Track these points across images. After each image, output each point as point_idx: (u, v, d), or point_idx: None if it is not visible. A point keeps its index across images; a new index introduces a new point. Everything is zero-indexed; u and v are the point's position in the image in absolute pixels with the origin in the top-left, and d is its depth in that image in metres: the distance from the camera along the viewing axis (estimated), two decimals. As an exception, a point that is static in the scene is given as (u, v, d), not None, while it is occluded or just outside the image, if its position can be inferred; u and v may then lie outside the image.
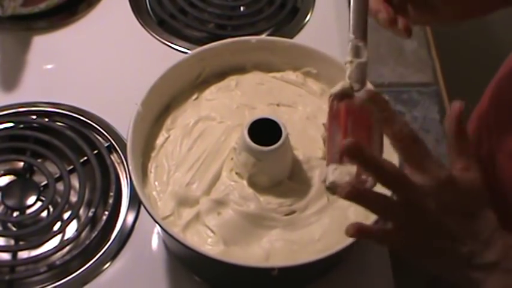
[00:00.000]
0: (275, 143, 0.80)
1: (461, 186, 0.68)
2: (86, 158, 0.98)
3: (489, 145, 0.93)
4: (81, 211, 0.94)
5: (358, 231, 0.68)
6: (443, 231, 0.68)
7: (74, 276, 0.89)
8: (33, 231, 0.92)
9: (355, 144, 0.66)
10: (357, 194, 0.66)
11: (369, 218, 0.81)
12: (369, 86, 0.75)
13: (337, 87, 0.73)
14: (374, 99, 0.67)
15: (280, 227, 0.81)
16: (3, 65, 1.12)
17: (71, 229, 0.93)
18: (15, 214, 0.95)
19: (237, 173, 0.85)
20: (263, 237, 0.81)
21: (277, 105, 0.92)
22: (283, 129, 0.81)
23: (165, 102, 0.91)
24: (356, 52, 0.75)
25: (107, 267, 0.91)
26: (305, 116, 0.90)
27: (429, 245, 0.69)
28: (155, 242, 0.93)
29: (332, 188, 0.67)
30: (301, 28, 1.17)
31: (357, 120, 0.72)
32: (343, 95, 0.73)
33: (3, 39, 1.15)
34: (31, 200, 0.95)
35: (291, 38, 1.14)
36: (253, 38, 0.94)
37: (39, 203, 0.95)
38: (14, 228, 0.94)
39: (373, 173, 0.67)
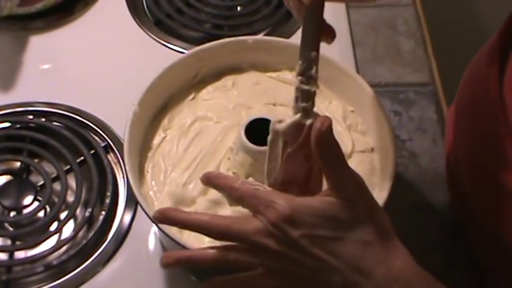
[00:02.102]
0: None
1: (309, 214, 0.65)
2: (82, 158, 0.98)
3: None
4: (78, 211, 0.94)
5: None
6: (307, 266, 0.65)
7: (70, 276, 0.89)
8: (30, 231, 0.92)
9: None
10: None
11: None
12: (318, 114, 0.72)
13: (287, 122, 0.71)
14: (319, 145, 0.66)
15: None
16: (0, 65, 1.11)
17: (68, 229, 0.93)
18: (11, 214, 0.95)
19: (234, 173, 0.85)
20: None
21: (274, 104, 0.92)
22: (280, 129, 0.81)
23: (161, 102, 0.91)
24: (307, 77, 0.73)
25: (104, 268, 0.91)
26: (301, 116, 0.90)
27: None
28: (152, 242, 0.93)
29: None
30: (298, 28, 1.17)
31: (299, 151, 0.71)
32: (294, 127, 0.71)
33: (0, 40, 1.15)
34: (28, 200, 0.95)
35: (288, 38, 1.14)
36: (249, 38, 0.94)
37: (36, 203, 0.95)
38: (11, 228, 0.94)
39: (197, 231, 0.68)
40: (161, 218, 0.69)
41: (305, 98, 0.72)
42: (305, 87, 0.72)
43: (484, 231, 0.89)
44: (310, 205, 0.66)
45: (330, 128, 0.66)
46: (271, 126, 0.73)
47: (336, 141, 0.67)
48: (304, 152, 0.71)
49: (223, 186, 0.70)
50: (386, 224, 0.69)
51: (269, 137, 0.73)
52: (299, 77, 0.73)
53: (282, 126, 0.71)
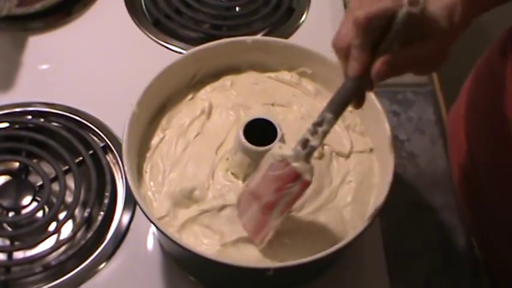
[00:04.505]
0: (270, 143, 0.80)
1: None
2: (81, 158, 0.98)
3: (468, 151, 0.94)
4: (77, 211, 0.94)
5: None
6: None
7: (69, 277, 0.89)
8: (29, 231, 0.92)
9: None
10: None
11: (363, 218, 0.82)
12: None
13: (280, 151, 0.76)
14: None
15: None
16: (-2, 65, 1.12)
17: (67, 229, 0.93)
18: (10, 214, 0.95)
19: (232, 173, 0.85)
20: (259, 238, 0.81)
21: (272, 105, 0.92)
22: (278, 129, 0.81)
23: (160, 103, 0.91)
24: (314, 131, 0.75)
25: (103, 268, 0.91)
26: (300, 116, 0.91)
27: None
28: (150, 243, 0.93)
29: None
30: (297, 28, 1.17)
31: (274, 179, 0.76)
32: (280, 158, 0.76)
33: (-1, 40, 1.15)
34: (26, 200, 0.95)
35: (286, 38, 1.14)
36: (248, 38, 0.94)
37: (34, 203, 0.95)
38: (10, 229, 0.94)
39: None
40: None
41: (303, 145, 0.75)
42: (307, 136, 0.75)
43: (505, 230, 0.89)
44: None
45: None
46: (273, 144, 0.78)
47: None
48: (276, 185, 0.75)
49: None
50: None
51: (269, 152, 0.78)
52: (310, 126, 0.75)
53: (274, 151, 0.76)
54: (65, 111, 1.04)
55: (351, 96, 0.74)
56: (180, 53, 1.11)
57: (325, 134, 0.74)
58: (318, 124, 0.74)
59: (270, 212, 0.77)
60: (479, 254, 0.97)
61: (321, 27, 1.18)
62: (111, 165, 0.99)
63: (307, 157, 0.75)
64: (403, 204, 0.99)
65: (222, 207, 0.82)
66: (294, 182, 0.75)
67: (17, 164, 0.99)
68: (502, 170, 0.90)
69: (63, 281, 0.89)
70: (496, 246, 0.95)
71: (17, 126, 1.03)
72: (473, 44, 1.06)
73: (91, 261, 0.91)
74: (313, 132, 0.74)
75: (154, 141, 0.88)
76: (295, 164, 0.74)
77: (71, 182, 0.96)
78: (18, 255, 0.91)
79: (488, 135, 0.96)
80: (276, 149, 0.77)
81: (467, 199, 1.00)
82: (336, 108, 0.74)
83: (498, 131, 0.92)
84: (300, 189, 0.75)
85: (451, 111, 1.15)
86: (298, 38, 1.15)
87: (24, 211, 0.95)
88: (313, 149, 0.75)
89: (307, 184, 0.75)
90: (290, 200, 0.76)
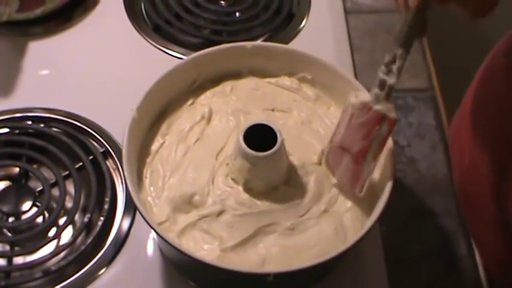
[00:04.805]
0: (270, 149, 0.80)
1: None
2: (81, 163, 0.98)
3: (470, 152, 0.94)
4: (77, 217, 0.94)
5: None
6: None
7: (69, 282, 0.89)
8: (29, 236, 0.92)
9: None
10: None
11: (364, 224, 0.82)
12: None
13: (359, 99, 0.79)
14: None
15: (277, 232, 0.81)
16: (-1, 70, 1.12)
17: (67, 235, 0.93)
18: (10, 220, 0.95)
19: (232, 179, 0.85)
20: (259, 243, 0.81)
21: (272, 110, 0.92)
22: (278, 134, 0.81)
23: (160, 108, 0.91)
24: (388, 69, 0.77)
25: (102, 273, 0.90)
26: (300, 121, 0.91)
27: None
28: (150, 248, 0.93)
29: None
30: (297, 34, 1.17)
31: (359, 127, 0.78)
32: (361, 106, 0.78)
33: (-1, 45, 1.15)
34: (26, 205, 0.95)
35: (287, 43, 1.14)
36: (248, 44, 0.94)
37: (34, 209, 0.95)
38: (9, 234, 0.94)
39: None
40: None
41: (380, 86, 0.77)
42: (382, 76, 0.77)
43: (507, 235, 0.90)
44: None
45: None
46: (349, 97, 0.80)
47: None
48: (363, 131, 0.78)
49: None
50: None
51: (345, 105, 0.81)
52: (382, 67, 0.77)
53: (353, 100, 0.79)
54: (65, 117, 1.04)
55: (414, 27, 0.75)
56: (180, 58, 1.11)
57: (399, 70, 0.76)
58: (390, 62, 0.76)
59: (363, 159, 0.79)
60: (480, 258, 0.97)
61: (321, 32, 1.18)
62: (111, 170, 0.99)
63: (388, 97, 0.77)
64: (403, 210, 0.99)
65: (220, 212, 0.82)
66: (380, 124, 0.78)
67: (17, 169, 0.99)
68: (506, 173, 0.90)
69: (63, 286, 0.89)
70: (496, 251, 0.95)
71: (17, 131, 1.03)
72: (474, 49, 1.06)
73: (91, 266, 0.91)
74: (388, 71, 0.76)
75: (154, 146, 0.88)
76: (378, 107, 0.77)
77: (71, 188, 0.96)
78: (18, 260, 0.91)
79: (493, 138, 0.96)
80: (353, 98, 0.79)
81: (467, 204, 1.00)
82: (404, 42, 0.76)
83: (503, 134, 0.92)
84: (389, 129, 0.78)
85: (455, 115, 1.15)
86: (298, 44, 1.15)
87: (24, 216, 0.95)
88: (392, 87, 0.77)
89: (394, 122, 0.78)
90: (381, 141, 0.79)
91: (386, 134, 0.78)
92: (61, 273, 0.90)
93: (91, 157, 0.99)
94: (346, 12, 1.22)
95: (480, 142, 0.99)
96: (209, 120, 0.90)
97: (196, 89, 0.94)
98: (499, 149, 0.94)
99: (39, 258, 0.90)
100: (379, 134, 0.78)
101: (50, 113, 1.04)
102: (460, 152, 1.05)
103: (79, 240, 0.92)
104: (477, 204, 0.99)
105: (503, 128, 0.93)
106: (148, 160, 0.87)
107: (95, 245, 0.92)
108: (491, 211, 0.94)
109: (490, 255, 0.99)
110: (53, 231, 0.93)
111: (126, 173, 0.80)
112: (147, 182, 0.85)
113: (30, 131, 1.02)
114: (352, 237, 0.79)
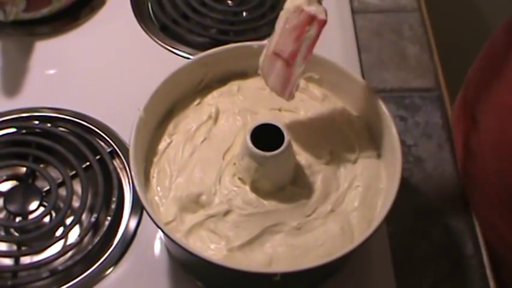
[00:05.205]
0: (277, 148, 0.80)
1: None
2: (88, 163, 0.98)
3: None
4: (84, 216, 0.94)
5: None
6: None
7: (76, 282, 0.89)
8: (36, 236, 0.92)
9: None
10: None
11: (370, 223, 0.81)
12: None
13: (293, 3, 0.81)
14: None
15: (284, 232, 0.81)
16: (5, 70, 1.12)
17: (74, 234, 0.93)
18: (17, 219, 0.95)
19: (239, 178, 0.85)
20: (266, 243, 0.81)
21: (279, 110, 0.92)
22: (285, 134, 0.81)
23: (167, 108, 0.91)
24: None
25: (109, 273, 0.91)
26: (307, 121, 0.90)
27: None
28: (158, 248, 0.93)
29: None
30: (303, 33, 1.17)
31: (292, 30, 0.80)
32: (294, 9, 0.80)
33: (6, 45, 1.15)
34: (33, 205, 0.95)
35: (293, 43, 1.14)
36: (255, 44, 0.94)
37: (41, 209, 0.95)
38: (17, 234, 0.94)
39: None
40: None
41: None
42: None
43: None
44: None
45: None
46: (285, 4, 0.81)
47: None
48: (295, 34, 0.80)
49: None
50: None
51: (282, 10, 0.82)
52: None
53: (286, 6, 0.80)
54: (72, 116, 1.04)
55: None
56: (187, 58, 1.11)
57: None
58: None
59: (294, 62, 0.81)
60: (487, 258, 0.97)
61: (328, 32, 1.17)
62: (118, 170, 0.99)
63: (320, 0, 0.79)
64: (410, 209, 0.99)
65: (227, 212, 0.82)
66: (310, 25, 0.79)
67: (24, 169, 0.99)
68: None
69: (70, 286, 0.89)
70: (505, 234, 0.94)
71: (24, 131, 1.03)
72: (480, 49, 1.05)
73: (98, 266, 0.91)
74: None
75: (161, 146, 0.88)
76: (309, 8, 0.79)
77: (78, 187, 0.97)
78: (25, 260, 0.92)
79: (492, 121, 0.96)
80: (288, 3, 0.81)
81: (473, 187, 1.00)
82: None
83: (502, 115, 0.92)
84: (318, 30, 0.80)
85: (458, 95, 1.14)
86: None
87: (31, 216, 0.95)
88: None
89: (323, 23, 0.79)
90: (310, 43, 0.80)
91: (316, 36, 0.80)
92: (68, 273, 0.90)
93: (98, 157, 0.99)
94: (353, 11, 1.22)
95: (479, 126, 0.98)
96: (216, 119, 0.90)
97: (203, 88, 0.94)
98: (499, 128, 0.94)
99: (46, 258, 0.90)
100: (309, 35, 0.80)
101: (56, 113, 1.05)
102: (463, 131, 1.04)
103: (86, 240, 0.93)
104: (482, 184, 0.98)
105: (501, 108, 0.93)
106: (155, 160, 0.87)
107: (102, 245, 0.92)
108: (497, 192, 0.94)
109: (499, 239, 0.98)
110: (60, 231, 0.94)
111: (133, 173, 0.80)
112: (154, 181, 0.85)
113: (37, 130, 1.02)
114: (359, 237, 0.79)
